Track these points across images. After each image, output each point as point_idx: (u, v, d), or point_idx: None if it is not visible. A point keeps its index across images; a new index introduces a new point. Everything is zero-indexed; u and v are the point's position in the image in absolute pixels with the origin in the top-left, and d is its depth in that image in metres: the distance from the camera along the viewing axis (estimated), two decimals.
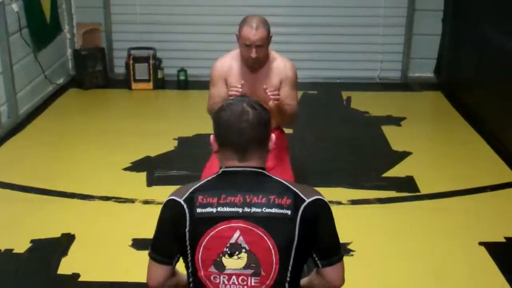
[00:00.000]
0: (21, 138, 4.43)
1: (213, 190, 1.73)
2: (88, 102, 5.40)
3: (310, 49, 5.87)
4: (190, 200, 1.73)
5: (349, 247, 2.98)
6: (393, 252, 3.00)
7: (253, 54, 3.02)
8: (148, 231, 3.12)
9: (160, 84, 5.70)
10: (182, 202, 1.73)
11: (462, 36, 5.29)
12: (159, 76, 5.69)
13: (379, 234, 3.16)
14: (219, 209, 1.71)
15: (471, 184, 3.72)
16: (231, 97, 2.77)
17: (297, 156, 3.85)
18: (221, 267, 1.72)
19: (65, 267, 2.83)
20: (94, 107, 5.24)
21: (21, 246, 2.97)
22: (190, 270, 1.76)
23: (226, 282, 1.73)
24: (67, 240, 3.04)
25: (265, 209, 1.70)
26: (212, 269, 1.73)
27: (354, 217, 3.31)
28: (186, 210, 1.72)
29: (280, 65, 3.17)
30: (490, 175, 3.87)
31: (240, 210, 1.70)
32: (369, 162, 4.08)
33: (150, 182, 3.72)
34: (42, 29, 5.10)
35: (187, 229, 1.72)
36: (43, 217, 3.29)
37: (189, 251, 1.74)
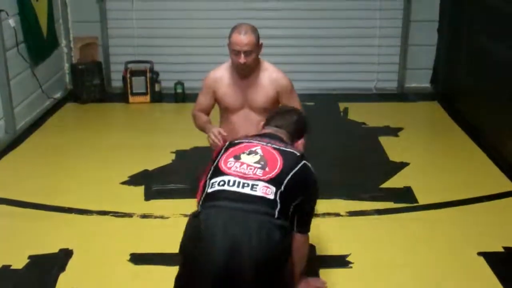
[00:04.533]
0: (18, 153, 4.43)
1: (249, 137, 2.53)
2: (86, 116, 5.40)
3: (307, 61, 5.89)
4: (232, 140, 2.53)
5: (348, 259, 2.97)
6: (391, 263, 2.99)
7: (242, 60, 3.11)
8: (146, 245, 3.13)
9: (158, 97, 5.71)
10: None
11: (458, 46, 5.32)
12: (156, 89, 5.70)
13: (377, 246, 3.15)
14: (249, 139, 2.45)
15: (469, 194, 3.72)
16: (212, 143, 3.09)
17: None
18: (238, 158, 2.33)
19: (63, 282, 2.81)
20: (91, 121, 5.24)
21: (19, 262, 2.96)
22: (211, 168, 2.37)
23: (237, 166, 2.29)
24: (65, 255, 3.02)
25: (281, 147, 2.39)
26: (231, 159, 2.34)
27: (353, 229, 3.30)
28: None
29: (272, 76, 3.28)
30: (488, 184, 3.87)
31: (264, 143, 2.40)
32: (366, 173, 4.08)
33: (148, 196, 3.71)
34: (39, 44, 5.11)
35: (224, 147, 2.45)
36: (40, 233, 3.28)
37: (219, 157, 2.39)
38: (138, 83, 5.64)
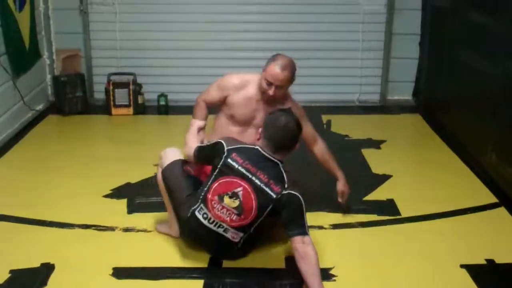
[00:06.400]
0: None
1: (244, 155, 2.88)
2: (68, 128, 5.36)
3: None
4: (229, 152, 2.90)
5: (332, 272, 2.97)
6: (375, 275, 3.00)
7: (271, 92, 3.17)
8: (129, 260, 3.10)
9: (141, 109, 5.69)
10: (226, 149, 2.91)
11: (439, 60, 5.37)
12: (139, 101, 5.68)
13: (361, 258, 3.16)
14: (239, 168, 2.86)
15: (451, 206, 3.74)
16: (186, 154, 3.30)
17: None
18: (221, 200, 2.86)
19: None
20: (73, 133, 5.21)
21: (0, 276, 2.91)
22: (204, 190, 2.92)
23: (219, 209, 2.87)
24: (46, 269, 2.98)
25: (262, 185, 2.84)
26: (216, 198, 2.87)
27: (336, 242, 3.31)
28: (224, 154, 2.90)
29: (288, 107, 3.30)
30: (470, 197, 3.90)
31: (250, 176, 2.84)
32: (349, 185, 4.08)
33: (131, 209, 3.68)
34: (21, 56, 5.08)
35: (219, 166, 2.90)
36: (22, 246, 3.24)
37: (212, 178, 2.91)
38: (121, 95, 5.62)
